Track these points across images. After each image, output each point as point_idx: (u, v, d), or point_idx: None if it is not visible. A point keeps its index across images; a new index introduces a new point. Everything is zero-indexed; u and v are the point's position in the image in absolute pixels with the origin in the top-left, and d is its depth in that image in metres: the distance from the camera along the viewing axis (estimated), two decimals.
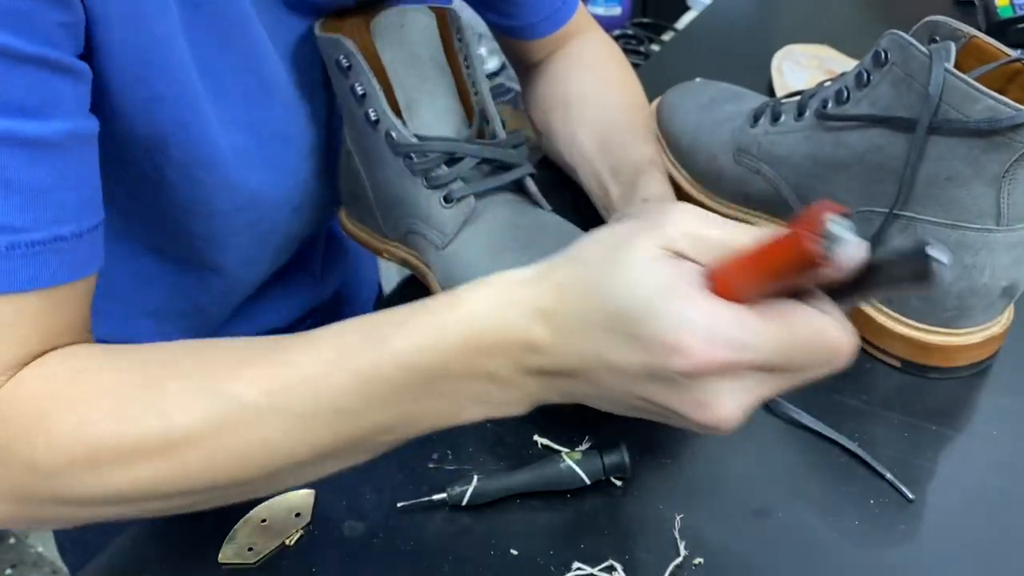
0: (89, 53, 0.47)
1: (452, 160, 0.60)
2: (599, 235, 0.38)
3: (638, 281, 0.34)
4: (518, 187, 0.62)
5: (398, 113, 0.60)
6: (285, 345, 0.42)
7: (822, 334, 0.34)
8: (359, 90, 0.59)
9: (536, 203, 0.62)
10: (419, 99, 0.60)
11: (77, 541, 0.84)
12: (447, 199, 0.60)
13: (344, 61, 0.59)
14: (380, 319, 0.41)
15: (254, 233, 0.66)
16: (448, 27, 0.63)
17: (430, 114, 0.61)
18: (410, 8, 0.60)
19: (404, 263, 0.67)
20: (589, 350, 0.36)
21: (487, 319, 0.38)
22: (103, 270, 0.48)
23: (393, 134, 0.60)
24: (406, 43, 0.60)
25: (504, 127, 0.62)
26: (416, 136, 0.60)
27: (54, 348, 0.44)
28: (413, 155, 0.59)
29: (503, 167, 0.61)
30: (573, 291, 0.36)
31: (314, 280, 0.81)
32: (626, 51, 1.56)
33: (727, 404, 0.34)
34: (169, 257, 0.66)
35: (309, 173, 0.67)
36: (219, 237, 0.63)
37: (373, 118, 0.60)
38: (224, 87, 0.55)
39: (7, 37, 0.39)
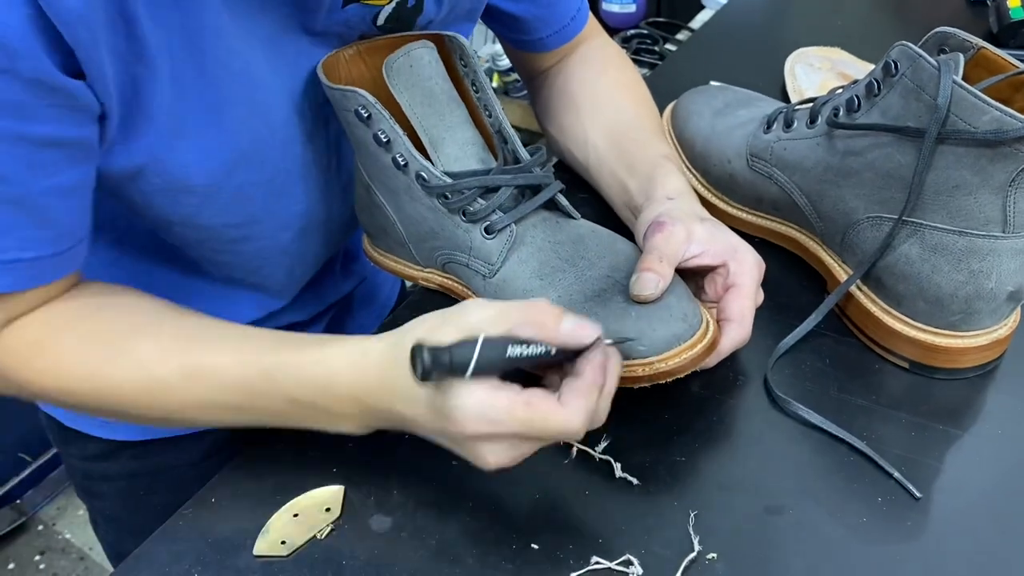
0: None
1: (486, 191, 0.61)
2: (424, 321, 0.51)
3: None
4: (549, 202, 0.63)
5: (424, 153, 0.61)
6: (205, 343, 0.56)
7: (552, 418, 0.48)
8: (383, 137, 0.60)
9: (568, 214, 0.63)
10: (441, 136, 0.61)
11: (109, 517, 0.87)
12: (488, 230, 0.60)
13: (363, 111, 0.59)
14: (274, 352, 0.54)
15: (254, 248, 0.67)
16: (451, 55, 0.63)
17: (454, 148, 0.61)
18: (413, 46, 0.61)
19: (444, 289, 0.68)
20: (409, 412, 0.51)
21: (345, 377, 0.52)
22: (102, 273, 0.61)
23: (424, 175, 0.60)
24: (418, 82, 0.61)
25: (520, 131, 0.63)
26: (447, 174, 0.60)
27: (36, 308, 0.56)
28: (448, 194, 0.60)
29: (533, 188, 0.62)
30: (396, 367, 0.50)
31: (335, 278, 0.84)
32: (641, 51, 1.57)
33: (490, 458, 0.50)
34: (169, 265, 0.69)
35: (314, 200, 0.67)
36: (216, 251, 0.65)
37: (401, 162, 0.60)
38: (218, 127, 0.56)
39: (4, 122, 0.46)
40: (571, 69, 0.80)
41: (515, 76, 1.97)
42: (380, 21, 0.63)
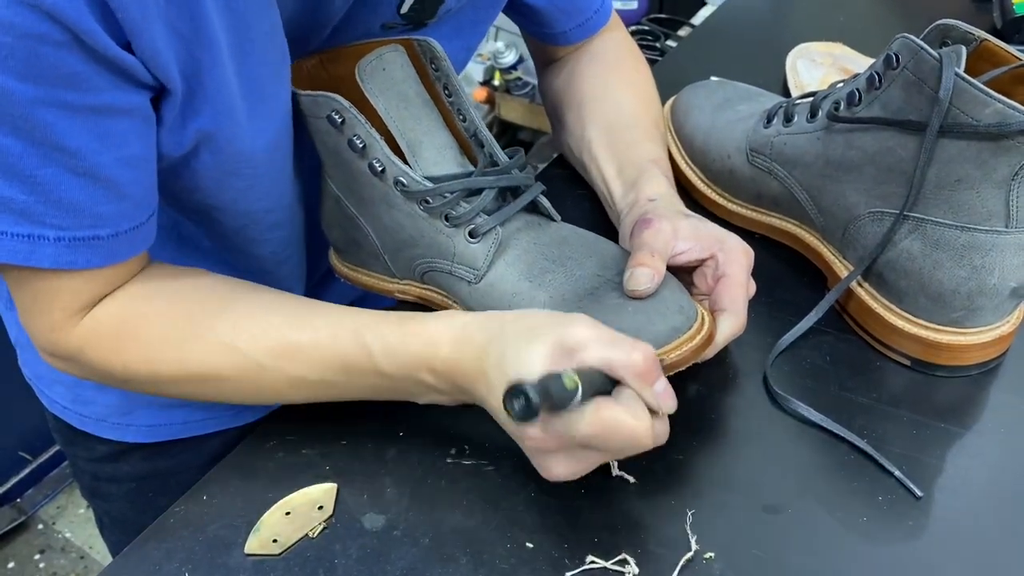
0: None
1: (468, 194, 0.59)
2: (526, 318, 0.53)
3: (522, 371, 0.49)
4: (530, 205, 0.62)
5: (403, 158, 0.59)
6: (298, 322, 0.56)
7: (619, 424, 0.48)
8: (358, 143, 0.58)
9: (549, 216, 0.62)
10: (418, 139, 0.60)
11: (116, 519, 0.87)
12: (472, 234, 0.59)
13: (337, 116, 0.58)
14: (370, 327, 0.55)
15: (285, 236, 0.67)
16: (420, 59, 0.62)
17: (432, 153, 0.60)
18: (383, 50, 0.60)
19: (422, 300, 0.66)
20: (485, 396, 0.52)
21: (445, 352, 0.53)
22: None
23: (403, 180, 0.59)
24: (392, 85, 0.59)
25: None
26: (427, 178, 0.59)
27: (112, 292, 0.56)
28: (430, 198, 0.59)
29: (514, 190, 0.61)
30: (491, 358, 0.51)
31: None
32: (641, 47, 1.56)
33: (558, 470, 0.51)
34: (206, 248, 0.68)
35: None
36: (250, 231, 0.65)
37: (379, 168, 0.59)
38: (265, 102, 0.56)
39: (66, 95, 0.46)
40: (582, 62, 0.80)
41: (516, 74, 1.96)
42: (404, 9, 0.62)
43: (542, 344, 0.49)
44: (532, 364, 0.48)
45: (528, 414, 0.45)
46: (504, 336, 0.51)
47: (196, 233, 0.67)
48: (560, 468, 0.51)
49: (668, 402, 0.51)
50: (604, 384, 0.49)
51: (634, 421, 0.48)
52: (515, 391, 0.45)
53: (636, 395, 0.49)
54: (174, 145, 0.54)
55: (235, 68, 0.53)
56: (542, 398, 0.45)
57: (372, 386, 0.56)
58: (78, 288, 0.55)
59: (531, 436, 0.50)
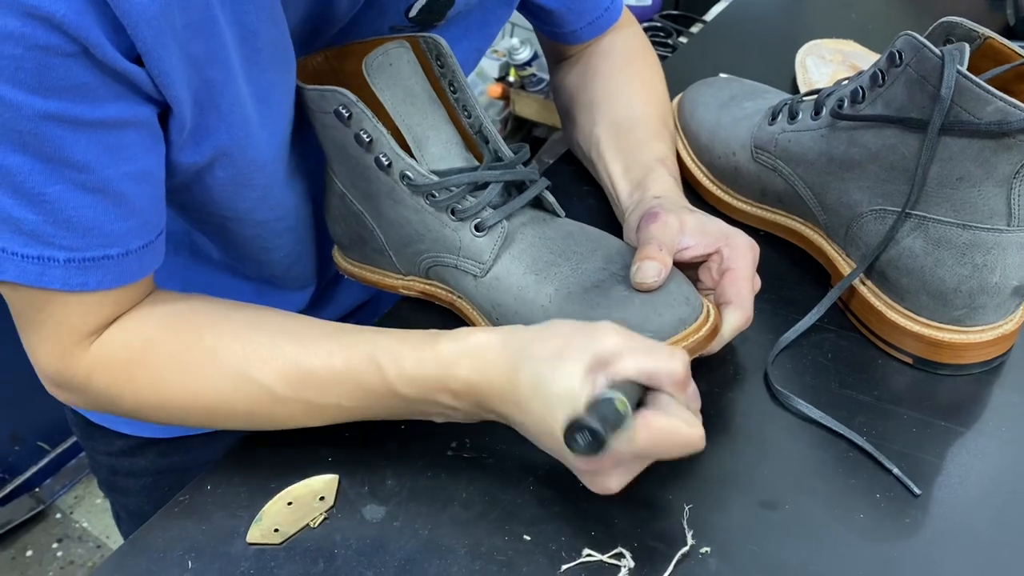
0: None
1: (474, 188, 0.60)
2: (551, 335, 0.51)
3: (564, 395, 0.48)
4: (535, 200, 0.63)
5: (409, 153, 0.60)
6: (309, 347, 0.55)
7: (675, 432, 0.48)
8: (365, 137, 0.59)
9: (554, 212, 0.63)
10: (425, 134, 0.60)
11: (133, 512, 0.88)
12: (478, 228, 0.59)
13: (344, 111, 0.58)
14: (385, 350, 0.54)
15: (296, 237, 0.68)
16: (425, 56, 0.63)
17: (438, 147, 0.61)
18: (389, 46, 0.60)
19: (426, 296, 0.66)
20: (533, 430, 0.52)
21: (463, 376, 0.52)
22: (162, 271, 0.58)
23: (410, 174, 0.59)
24: (399, 80, 0.60)
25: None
26: (433, 172, 0.59)
27: (121, 315, 0.56)
28: (436, 192, 0.59)
29: (519, 185, 0.62)
30: (524, 384, 0.50)
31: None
32: (654, 43, 1.56)
33: (613, 483, 0.51)
34: (218, 258, 0.69)
35: None
36: (263, 240, 0.66)
37: (385, 162, 0.59)
38: (272, 108, 0.57)
39: (74, 108, 0.46)
40: (593, 60, 0.80)
41: (531, 70, 1.96)
42: (412, 13, 0.63)
43: (576, 362, 0.49)
44: (572, 384, 0.48)
45: (596, 447, 0.46)
46: (532, 357, 0.50)
47: (208, 243, 0.68)
48: (615, 481, 0.51)
49: (698, 403, 0.52)
50: (638, 392, 0.50)
51: (689, 428, 0.49)
52: (577, 426, 0.46)
53: (677, 401, 0.50)
54: (189, 162, 0.54)
55: (245, 79, 0.53)
56: (604, 427, 0.46)
57: (389, 407, 0.55)
58: (87, 311, 0.54)
59: (588, 463, 0.50)
